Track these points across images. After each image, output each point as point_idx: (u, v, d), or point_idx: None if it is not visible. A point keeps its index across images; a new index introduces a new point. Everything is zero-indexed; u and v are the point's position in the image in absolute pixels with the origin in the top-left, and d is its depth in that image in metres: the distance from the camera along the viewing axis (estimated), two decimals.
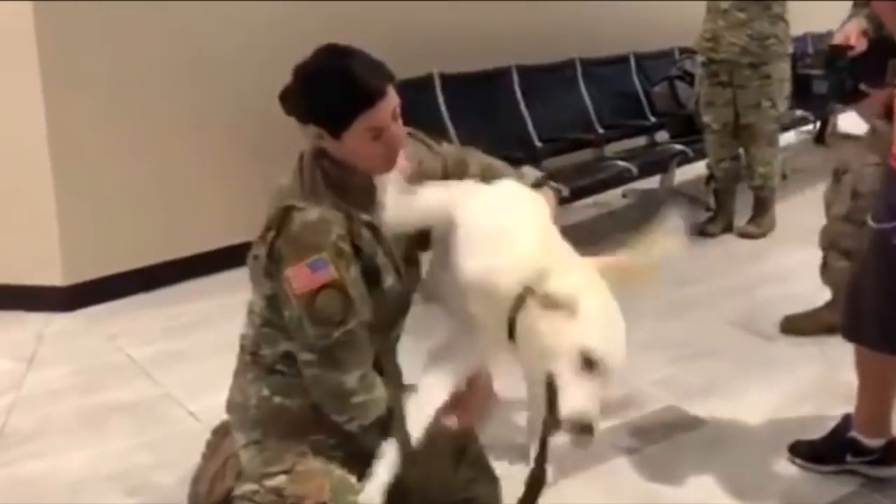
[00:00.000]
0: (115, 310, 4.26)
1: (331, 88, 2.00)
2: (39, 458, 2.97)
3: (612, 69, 6.15)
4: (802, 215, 5.57)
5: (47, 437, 3.10)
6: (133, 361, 3.67)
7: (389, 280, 2.18)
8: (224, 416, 2.39)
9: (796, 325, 3.80)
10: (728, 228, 5.48)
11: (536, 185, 2.37)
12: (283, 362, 2.21)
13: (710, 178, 5.67)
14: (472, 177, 2.38)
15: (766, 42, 5.08)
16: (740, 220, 5.50)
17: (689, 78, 6.06)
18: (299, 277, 2.02)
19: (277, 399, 2.23)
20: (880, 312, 2.46)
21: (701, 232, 5.41)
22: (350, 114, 1.98)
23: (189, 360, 3.62)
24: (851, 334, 2.63)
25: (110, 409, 3.26)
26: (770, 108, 5.19)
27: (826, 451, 2.78)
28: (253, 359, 2.27)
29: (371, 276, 2.14)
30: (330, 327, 2.03)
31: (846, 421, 2.76)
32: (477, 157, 2.45)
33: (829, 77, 2.84)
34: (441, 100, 4.88)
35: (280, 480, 2.21)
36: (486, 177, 2.41)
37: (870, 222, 2.43)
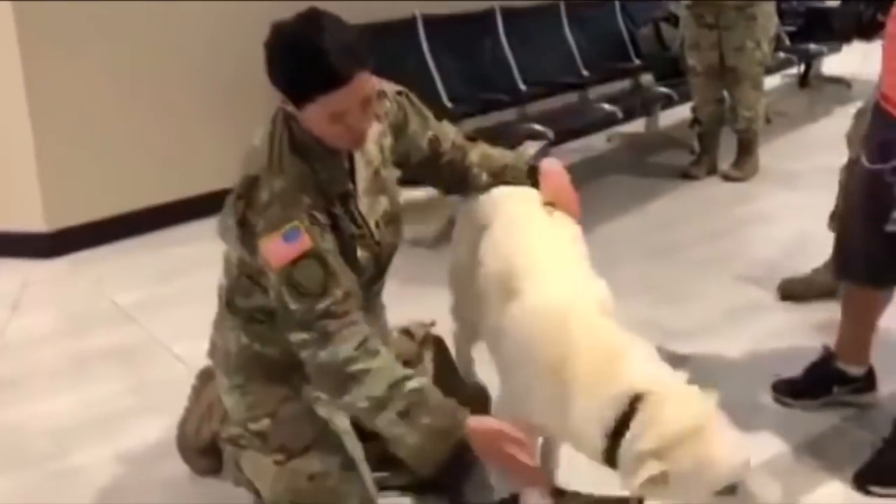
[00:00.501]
0: (99, 256, 4.25)
1: (296, 61, 1.92)
2: (24, 403, 2.98)
3: (597, 11, 6.12)
4: (785, 159, 5.63)
5: (32, 383, 3.11)
6: (118, 307, 3.67)
7: (363, 249, 2.16)
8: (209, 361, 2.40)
9: (792, 291, 3.67)
10: (712, 171, 5.48)
11: (532, 171, 2.38)
12: (259, 312, 2.20)
13: (694, 121, 5.66)
14: (472, 166, 2.38)
15: None
16: (724, 163, 5.50)
17: (674, 20, 6.00)
18: (275, 250, 1.96)
19: (256, 347, 2.23)
20: (867, 251, 2.49)
21: (685, 175, 5.43)
22: (309, 92, 1.92)
23: (175, 306, 3.62)
24: (841, 273, 2.68)
25: (95, 354, 3.26)
26: (755, 49, 5.17)
27: (810, 385, 2.83)
28: (230, 308, 2.27)
29: (344, 247, 2.10)
30: (312, 299, 1.97)
31: (827, 354, 2.81)
32: (478, 149, 2.41)
33: (846, 10, 2.80)
34: (424, 42, 4.83)
35: (264, 424, 2.23)
36: (485, 165, 2.40)
37: (863, 162, 2.44)
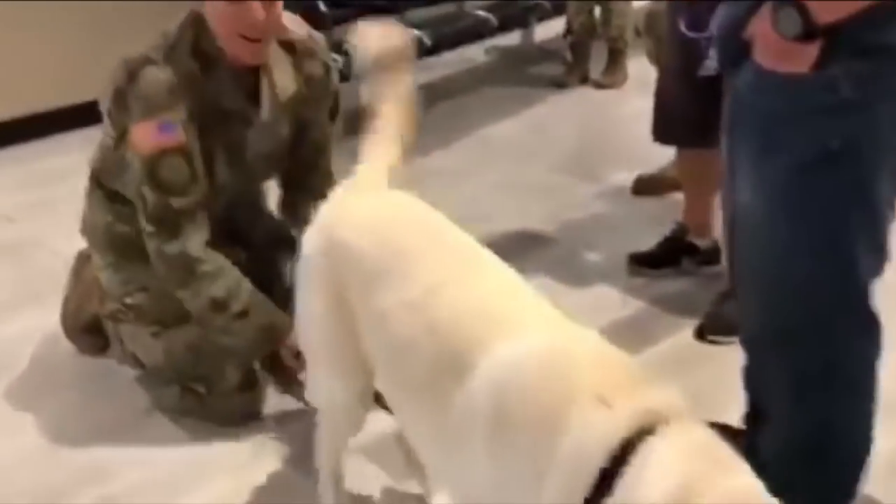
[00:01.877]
0: None
1: None
2: None
3: None
4: (651, 69, 5.85)
5: None
6: None
7: (225, 172, 2.21)
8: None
9: (646, 187, 3.89)
10: (584, 80, 5.64)
11: None
12: (119, 196, 2.27)
13: (567, 31, 5.84)
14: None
15: None
16: (595, 72, 5.70)
17: None
18: (145, 134, 2.00)
19: (119, 227, 2.29)
20: (684, 112, 2.71)
21: (558, 83, 5.61)
22: None
23: (51, 208, 3.57)
24: (663, 137, 2.92)
25: None
26: None
27: (663, 256, 3.08)
28: (96, 183, 2.33)
29: (205, 162, 2.13)
30: (170, 196, 2.04)
31: (678, 228, 3.06)
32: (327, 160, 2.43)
33: None
34: None
35: (139, 298, 2.33)
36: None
37: (681, 28, 2.62)
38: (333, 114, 2.45)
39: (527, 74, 5.97)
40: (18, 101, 4.40)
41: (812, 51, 1.42)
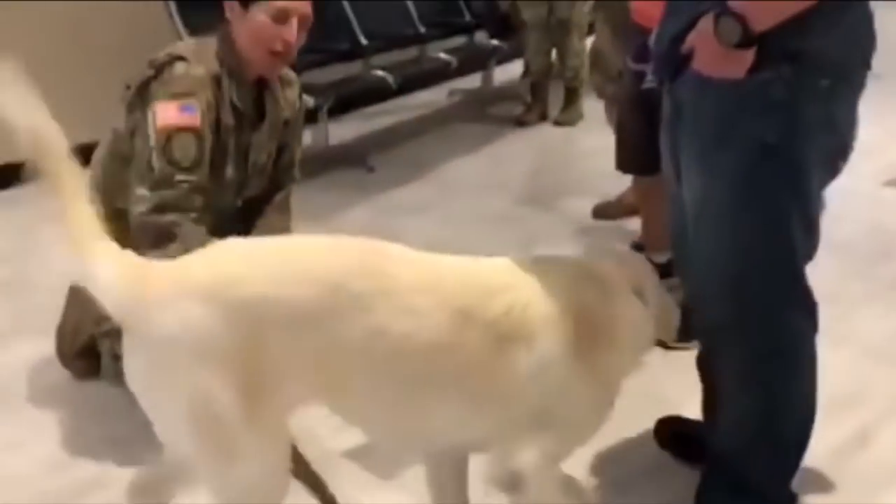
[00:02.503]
0: None
1: None
2: None
3: None
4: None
5: None
6: None
7: (230, 168, 2.42)
8: None
9: (605, 212, 4.15)
10: (543, 118, 5.90)
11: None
12: (117, 216, 2.30)
13: (526, 71, 6.09)
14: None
15: None
16: (554, 111, 5.94)
17: None
18: (167, 111, 2.19)
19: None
20: (641, 142, 2.92)
21: (518, 122, 5.84)
22: None
23: (42, 249, 3.63)
24: (625, 167, 3.13)
25: None
26: (584, 2, 5.53)
27: None
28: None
29: (216, 158, 2.34)
30: (176, 170, 2.21)
31: (635, 246, 3.27)
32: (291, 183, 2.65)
33: None
34: None
35: None
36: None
37: (629, 63, 2.85)
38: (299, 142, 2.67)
39: (488, 114, 6.22)
40: (7, 148, 4.49)
41: (748, 57, 1.61)
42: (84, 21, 4.64)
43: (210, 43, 2.34)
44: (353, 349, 1.51)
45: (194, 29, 4.09)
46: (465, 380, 1.59)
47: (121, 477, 2.27)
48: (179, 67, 2.24)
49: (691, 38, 1.69)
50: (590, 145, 5.30)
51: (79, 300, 2.68)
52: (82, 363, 2.72)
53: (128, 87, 2.29)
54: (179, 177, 2.22)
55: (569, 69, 5.78)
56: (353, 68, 5.37)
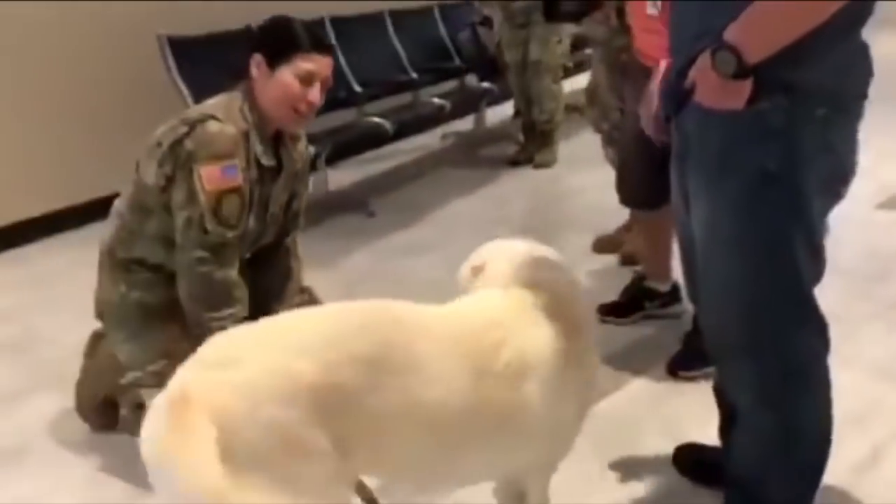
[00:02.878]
0: None
1: (289, 29, 2.39)
2: None
3: (419, 19, 6.54)
4: (579, 147, 6.15)
5: None
6: None
7: (252, 220, 2.50)
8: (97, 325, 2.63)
9: (605, 246, 4.19)
10: (531, 158, 5.92)
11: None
12: (136, 263, 2.48)
13: (517, 112, 6.18)
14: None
15: None
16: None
17: (489, 23, 6.51)
18: (212, 176, 2.31)
19: (135, 294, 2.49)
20: (644, 178, 2.99)
21: (511, 162, 5.92)
22: (294, 50, 2.35)
23: (50, 305, 3.76)
24: (627, 201, 3.20)
25: None
26: (558, 44, 5.64)
27: (627, 304, 3.33)
28: (109, 258, 2.53)
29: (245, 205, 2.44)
30: (227, 228, 2.35)
31: (637, 277, 3.33)
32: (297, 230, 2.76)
33: None
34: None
35: (160, 365, 2.47)
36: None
37: (630, 101, 2.92)
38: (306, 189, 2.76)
39: (481, 155, 6.31)
40: (17, 207, 4.58)
41: (746, 88, 1.67)
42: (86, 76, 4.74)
43: (234, 99, 2.41)
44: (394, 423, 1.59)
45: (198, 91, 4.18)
46: (496, 429, 1.73)
47: None
48: (213, 126, 2.31)
49: (693, 73, 1.76)
50: (578, 183, 5.39)
51: (94, 357, 2.75)
52: (102, 417, 2.76)
53: (159, 144, 2.35)
54: (230, 234, 2.36)
55: (542, 112, 5.79)
56: (347, 115, 5.45)
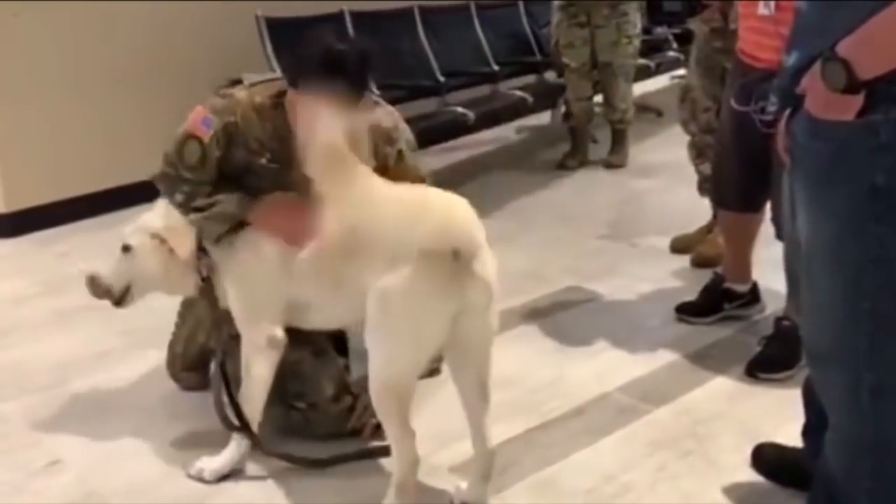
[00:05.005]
0: (60, 234, 4.51)
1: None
2: (17, 347, 3.27)
3: (504, 13, 6.59)
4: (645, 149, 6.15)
5: (21, 333, 3.40)
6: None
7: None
8: None
9: (682, 246, 4.16)
10: (584, 163, 5.86)
11: None
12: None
13: (566, 115, 6.08)
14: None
15: None
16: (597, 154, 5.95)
17: None
18: (195, 117, 2.45)
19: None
20: (740, 180, 3.01)
21: (559, 166, 5.84)
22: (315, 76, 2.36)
23: None
24: (720, 203, 3.22)
25: (75, 310, 3.48)
26: (628, 44, 5.55)
27: (706, 304, 3.36)
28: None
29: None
30: (178, 166, 2.46)
31: (717, 277, 3.35)
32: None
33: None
34: (352, 35, 5.21)
35: None
36: None
37: (732, 104, 2.95)
38: None
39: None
40: (97, 177, 4.77)
41: (856, 102, 1.64)
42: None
43: (281, 84, 2.51)
44: None
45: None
46: None
47: (233, 484, 2.43)
48: (235, 90, 2.47)
49: (805, 81, 1.75)
50: (646, 184, 5.39)
51: (187, 319, 2.86)
52: (192, 376, 2.88)
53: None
54: (182, 171, 2.46)
55: (616, 111, 5.75)
56: (429, 105, 5.52)
